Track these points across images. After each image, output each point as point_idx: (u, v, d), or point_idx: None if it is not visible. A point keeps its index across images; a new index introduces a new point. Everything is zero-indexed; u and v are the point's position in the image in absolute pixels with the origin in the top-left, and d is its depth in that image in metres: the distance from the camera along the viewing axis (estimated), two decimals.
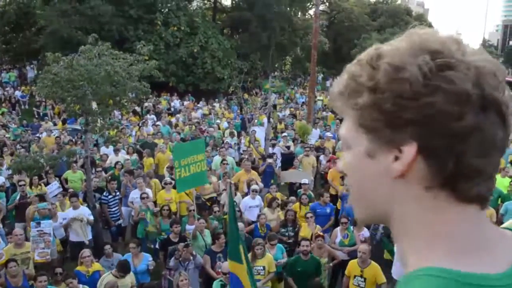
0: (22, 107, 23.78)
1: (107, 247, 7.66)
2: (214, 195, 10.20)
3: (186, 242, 7.40)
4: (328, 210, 9.20)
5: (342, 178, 10.28)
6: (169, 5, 27.94)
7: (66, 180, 10.89)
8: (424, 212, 0.71)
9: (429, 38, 0.70)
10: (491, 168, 0.70)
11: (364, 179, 0.75)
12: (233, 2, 34.13)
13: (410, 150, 0.68)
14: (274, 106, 24.00)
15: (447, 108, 0.66)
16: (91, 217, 8.52)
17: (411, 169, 0.69)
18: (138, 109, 21.09)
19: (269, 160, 11.62)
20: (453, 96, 0.66)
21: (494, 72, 0.69)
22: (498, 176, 10.28)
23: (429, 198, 0.70)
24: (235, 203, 6.03)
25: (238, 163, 12.45)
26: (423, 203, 0.70)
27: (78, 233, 8.36)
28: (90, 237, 8.54)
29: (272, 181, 10.90)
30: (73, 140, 14.40)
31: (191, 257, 7.17)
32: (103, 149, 12.99)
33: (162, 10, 28.13)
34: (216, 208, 9.09)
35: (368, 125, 0.72)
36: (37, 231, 7.52)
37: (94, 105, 9.11)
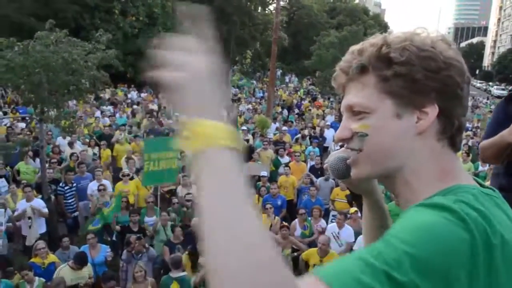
0: None
1: (65, 239, 7.48)
2: (173, 187, 10.15)
3: (142, 235, 7.36)
4: (279, 202, 9.33)
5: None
6: None
7: (18, 172, 10.49)
8: (435, 157, 0.91)
9: (426, 31, 0.92)
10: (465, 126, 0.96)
11: (391, 137, 0.90)
12: None
13: (433, 110, 0.88)
14: (234, 100, 24.07)
15: (458, 80, 0.89)
16: (45, 210, 8.23)
17: (430, 126, 0.89)
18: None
19: None
20: (459, 71, 0.90)
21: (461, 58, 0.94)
22: None
23: (439, 147, 0.91)
24: None
25: None
26: (435, 151, 0.91)
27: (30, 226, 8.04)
28: (44, 230, 8.22)
29: None
30: (26, 130, 13.87)
31: (144, 250, 7.12)
32: (59, 140, 12.62)
33: None
34: (175, 200, 9.07)
35: (395, 92, 0.89)
36: None
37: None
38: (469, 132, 17.43)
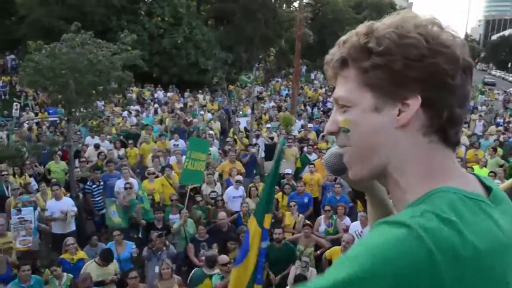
0: (2, 97, 23.38)
1: (94, 238, 7.65)
2: (198, 185, 10.23)
3: (166, 232, 7.46)
4: (305, 200, 9.28)
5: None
6: None
7: (49, 171, 10.79)
8: (421, 153, 0.84)
9: (417, 15, 0.85)
10: (464, 117, 0.87)
11: (370, 132, 0.85)
12: None
13: (415, 102, 0.81)
14: (259, 98, 24.07)
15: (446, 67, 0.80)
16: (75, 209, 8.42)
17: (413, 119, 0.82)
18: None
19: (252, 150, 11.70)
20: (449, 58, 0.81)
21: (464, 44, 0.85)
22: (476, 167, 10.54)
23: (425, 143, 0.84)
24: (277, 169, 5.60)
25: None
26: (420, 147, 0.84)
27: (61, 224, 8.27)
28: (73, 228, 8.42)
29: (255, 171, 10.98)
30: (55, 130, 14.25)
31: (164, 248, 7.20)
32: (88, 139, 12.90)
33: (146, 0, 27.86)
34: (199, 198, 9.14)
35: (374, 84, 0.83)
36: (18, 218, 7.39)
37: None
38: (500, 128, 16.93)
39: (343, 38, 0.89)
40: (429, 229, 0.70)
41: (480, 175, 0.93)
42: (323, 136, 14.13)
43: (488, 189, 0.88)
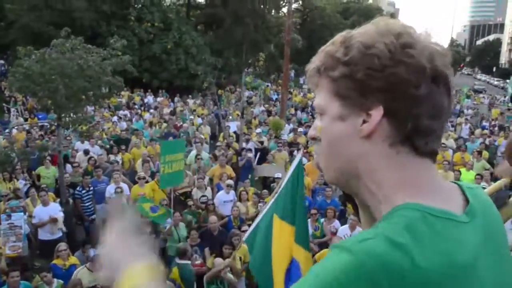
0: None
1: (87, 246, 7.58)
2: (189, 189, 10.26)
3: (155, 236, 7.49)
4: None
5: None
6: (142, 0, 27.70)
7: (39, 177, 10.73)
8: (389, 165, 0.84)
9: (393, 23, 0.85)
10: (439, 129, 0.85)
11: (336, 140, 0.87)
12: None
13: (377, 112, 0.81)
14: (249, 103, 24.15)
15: (407, 77, 0.80)
16: (61, 214, 8.35)
17: (377, 129, 0.82)
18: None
19: (249, 155, 11.79)
20: (412, 68, 0.80)
21: (443, 53, 0.85)
22: (463, 170, 10.70)
23: (392, 154, 0.83)
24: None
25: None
26: (388, 158, 0.83)
27: (49, 230, 8.20)
28: (60, 234, 8.32)
29: (250, 176, 11.08)
30: (44, 135, 14.16)
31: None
32: (78, 145, 12.85)
33: (136, 5, 27.87)
34: (190, 203, 9.17)
35: (341, 93, 0.85)
36: (8, 224, 7.29)
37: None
38: (485, 131, 17.18)
39: (322, 47, 0.91)
40: (375, 254, 0.71)
41: (464, 184, 0.93)
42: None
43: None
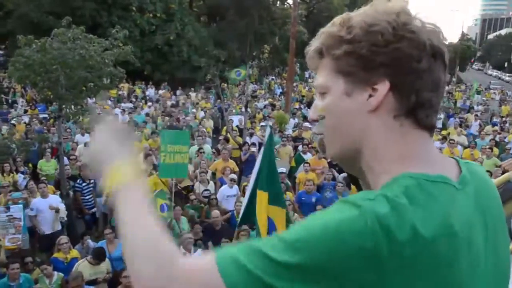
0: None
1: (86, 237, 7.51)
2: (191, 183, 10.09)
3: None
4: (313, 200, 9.12)
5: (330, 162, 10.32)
6: None
7: (40, 169, 10.55)
8: (394, 137, 0.88)
9: (391, 4, 0.89)
10: (438, 102, 0.90)
11: (342, 116, 0.90)
12: None
13: (383, 86, 0.86)
14: (253, 96, 23.93)
15: (410, 52, 0.85)
16: (62, 205, 8.22)
17: (383, 103, 0.86)
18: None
19: (253, 149, 11.60)
20: (414, 43, 0.85)
21: (438, 32, 0.89)
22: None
23: (397, 126, 0.88)
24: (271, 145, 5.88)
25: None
26: (392, 130, 0.88)
27: (49, 223, 8.04)
28: (60, 227, 8.17)
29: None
30: (44, 127, 13.99)
31: None
32: (78, 137, 12.67)
33: None
34: (192, 197, 9.00)
35: (346, 70, 0.88)
36: (7, 216, 7.22)
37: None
38: (496, 127, 16.95)
39: (322, 29, 0.94)
40: (376, 211, 0.75)
41: (462, 160, 0.96)
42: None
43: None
